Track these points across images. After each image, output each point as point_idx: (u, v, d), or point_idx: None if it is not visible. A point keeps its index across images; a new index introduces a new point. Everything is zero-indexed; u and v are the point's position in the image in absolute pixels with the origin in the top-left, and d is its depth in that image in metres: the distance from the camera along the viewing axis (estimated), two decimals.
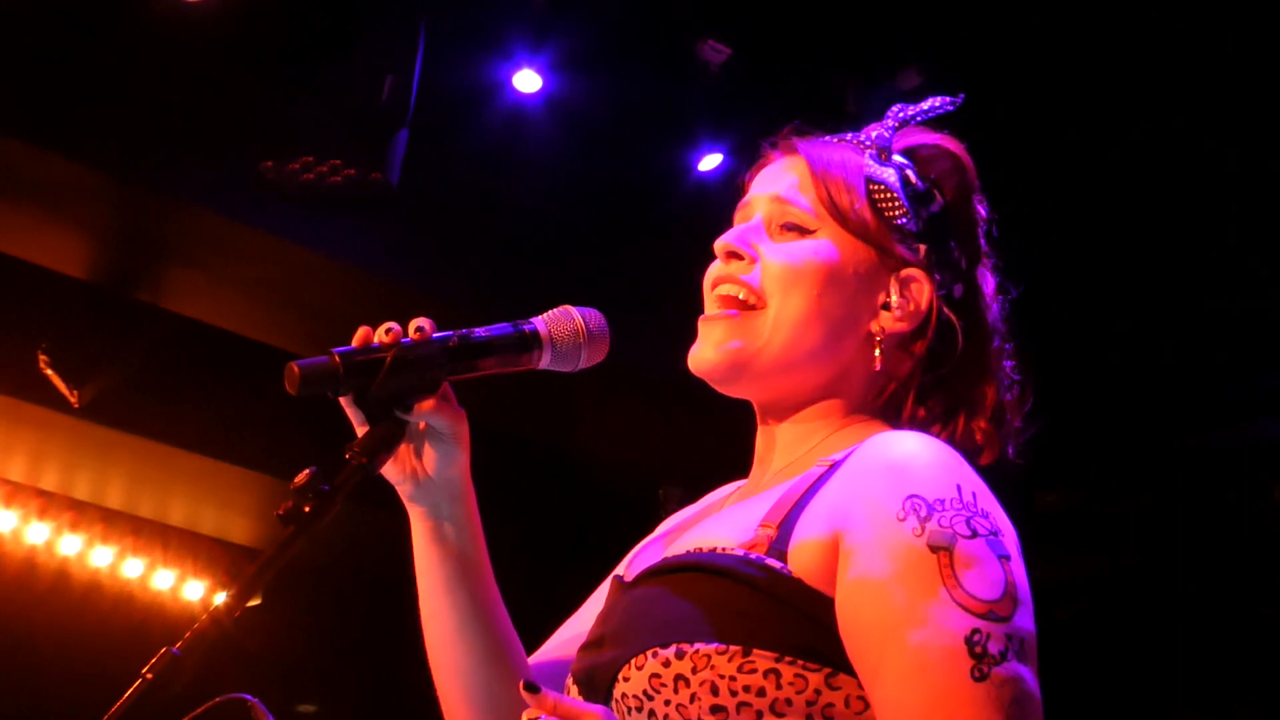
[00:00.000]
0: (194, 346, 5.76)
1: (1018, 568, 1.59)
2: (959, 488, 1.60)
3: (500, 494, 2.14)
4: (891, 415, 1.85)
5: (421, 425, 1.84)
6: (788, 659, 1.58)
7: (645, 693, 1.61)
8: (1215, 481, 5.88)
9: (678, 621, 1.62)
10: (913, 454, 1.64)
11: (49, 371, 5.40)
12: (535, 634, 2.00)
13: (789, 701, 1.57)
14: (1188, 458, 5.92)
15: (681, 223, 4.88)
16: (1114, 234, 5.40)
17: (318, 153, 4.52)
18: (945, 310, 1.85)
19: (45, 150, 4.68)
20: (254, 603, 6.74)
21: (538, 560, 6.10)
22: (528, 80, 5.04)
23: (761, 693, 1.57)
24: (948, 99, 1.94)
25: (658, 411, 5.72)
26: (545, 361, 1.83)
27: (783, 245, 1.85)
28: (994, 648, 1.51)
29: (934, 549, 1.55)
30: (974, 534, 1.57)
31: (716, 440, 1.83)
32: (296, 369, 1.67)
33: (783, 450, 1.84)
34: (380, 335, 1.75)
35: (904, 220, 1.85)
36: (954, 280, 1.87)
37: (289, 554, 1.60)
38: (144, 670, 1.47)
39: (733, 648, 1.58)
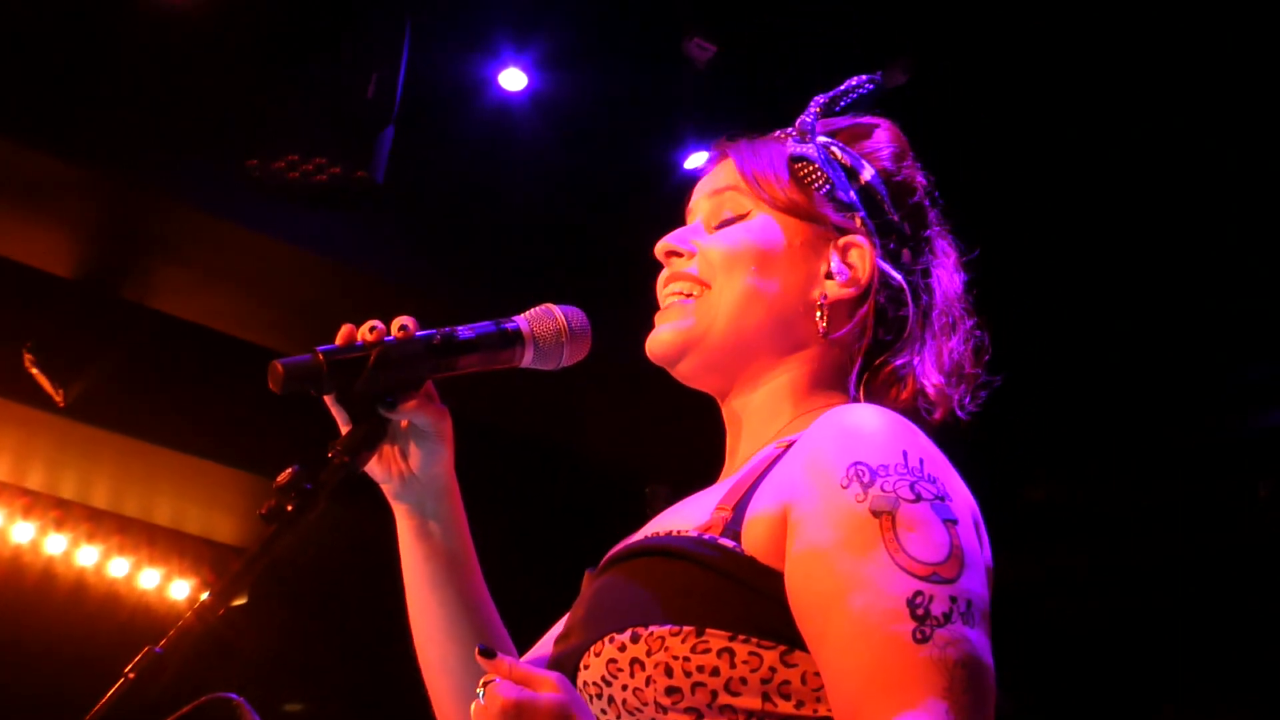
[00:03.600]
0: (180, 345, 5.75)
1: (966, 532, 1.56)
2: (905, 453, 1.58)
3: (491, 491, 2.14)
4: (853, 386, 1.86)
5: (404, 423, 1.85)
6: (741, 637, 1.56)
7: (603, 678, 1.60)
8: (1201, 477, 5.89)
9: (634, 606, 1.61)
10: (859, 423, 1.63)
11: (34, 370, 5.39)
12: (524, 632, 2.00)
13: (744, 680, 1.55)
14: (1174, 452, 5.93)
15: (667, 220, 4.88)
16: (1097, 229, 5.41)
17: (303, 150, 4.52)
18: (892, 274, 1.86)
19: (30, 148, 4.67)
20: (240, 601, 6.75)
21: (529, 558, 6.10)
22: (513, 78, 5.04)
23: (715, 672, 1.55)
24: (865, 78, 1.97)
25: (647, 408, 5.72)
26: (528, 359, 1.84)
27: (719, 233, 1.90)
28: (937, 609, 1.49)
29: (876, 514, 1.53)
30: (918, 498, 1.55)
31: (708, 437, 1.83)
32: (280, 367, 1.67)
33: (749, 439, 1.85)
34: (364, 333, 1.75)
35: (830, 190, 1.87)
36: (900, 245, 1.89)
37: (272, 553, 1.60)
38: (126, 669, 1.47)
39: (686, 628, 1.57)
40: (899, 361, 1.84)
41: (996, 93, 4.94)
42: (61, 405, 5.50)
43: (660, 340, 1.88)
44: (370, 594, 6.86)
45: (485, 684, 1.54)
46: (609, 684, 1.59)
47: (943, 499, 1.56)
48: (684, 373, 1.89)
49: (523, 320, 1.84)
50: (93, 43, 4.66)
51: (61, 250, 5.27)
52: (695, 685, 1.55)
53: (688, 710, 1.56)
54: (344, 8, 4.61)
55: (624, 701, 1.58)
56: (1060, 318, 5.61)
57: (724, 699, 1.55)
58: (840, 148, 1.91)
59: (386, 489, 1.92)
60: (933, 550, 1.52)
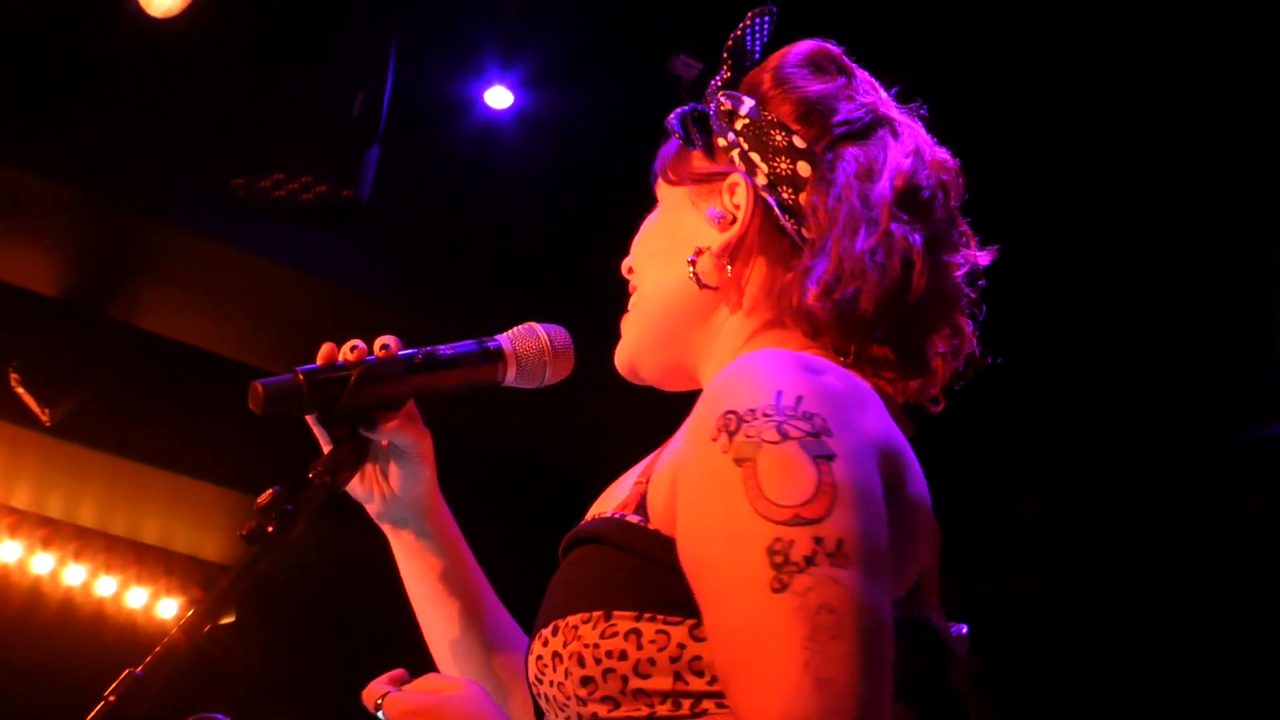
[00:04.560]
0: (166, 363, 5.75)
1: (848, 467, 1.42)
2: (779, 394, 1.45)
3: (484, 506, 2.14)
4: (788, 324, 1.70)
5: (385, 443, 1.85)
6: (647, 616, 1.48)
7: (535, 677, 1.55)
8: (1192, 488, 5.90)
9: (560, 598, 1.56)
10: (739, 370, 1.51)
11: (20, 389, 5.37)
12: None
13: (652, 661, 1.47)
14: (1165, 463, 5.93)
15: None
16: (1089, 241, 5.42)
17: (289, 169, 4.51)
18: (767, 197, 1.70)
19: (15, 166, 4.66)
20: (227, 620, 6.74)
21: (530, 573, 6.09)
22: (499, 96, 5.04)
23: (624, 656, 1.48)
24: (759, 10, 1.83)
25: (635, 422, 5.71)
26: (510, 378, 1.84)
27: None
28: (797, 554, 1.36)
29: (739, 462, 1.41)
30: (783, 438, 1.41)
31: None
32: (260, 388, 1.68)
33: None
34: (345, 353, 1.75)
35: (703, 143, 1.78)
36: (794, 160, 1.70)
37: (253, 574, 1.60)
38: (106, 693, 1.47)
39: (595, 614, 1.50)
40: (800, 271, 1.67)
41: (985, 108, 4.94)
42: (48, 424, 5.48)
43: (617, 364, 1.84)
44: (360, 612, 6.85)
45: (384, 696, 1.55)
46: (540, 682, 1.55)
47: (817, 435, 1.42)
48: (651, 385, 1.84)
49: (505, 339, 1.84)
50: (77, 61, 4.65)
51: (47, 269, 5.26)
52: (606, 672, 1.48)
53: (604, 700, 1.49)
54: (329, 26, 4.61)
55: (553, 698, 1.53)
56: (1050, 327, 5.60)
57: (635, 683, 1.47)
58: (726, 95, 1.79)
59: (370, 510, 1.92)
60: (795, 491, 1.39)
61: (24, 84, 4.60)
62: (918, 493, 1.56)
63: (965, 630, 1.65)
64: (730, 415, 1.45)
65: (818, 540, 1.37)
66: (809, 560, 1.36)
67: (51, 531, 6.78)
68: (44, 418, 5.44)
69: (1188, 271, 5.40)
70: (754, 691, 1.34)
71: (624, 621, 1.49)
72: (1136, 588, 6.30)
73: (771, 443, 1.42)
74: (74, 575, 6.89)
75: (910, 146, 1.73)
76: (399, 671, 1.61)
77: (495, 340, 1.83)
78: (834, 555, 1.37)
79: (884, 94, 1.80)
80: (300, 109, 4.59)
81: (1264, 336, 5.42)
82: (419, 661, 2.01)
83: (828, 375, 1.51)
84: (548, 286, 5.34)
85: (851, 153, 1.70)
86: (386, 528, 1.93)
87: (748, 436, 1.43)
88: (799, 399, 1.45)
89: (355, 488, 1.88)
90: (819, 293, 1.63)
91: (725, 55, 1.82)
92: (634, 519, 1.55)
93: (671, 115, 1.82)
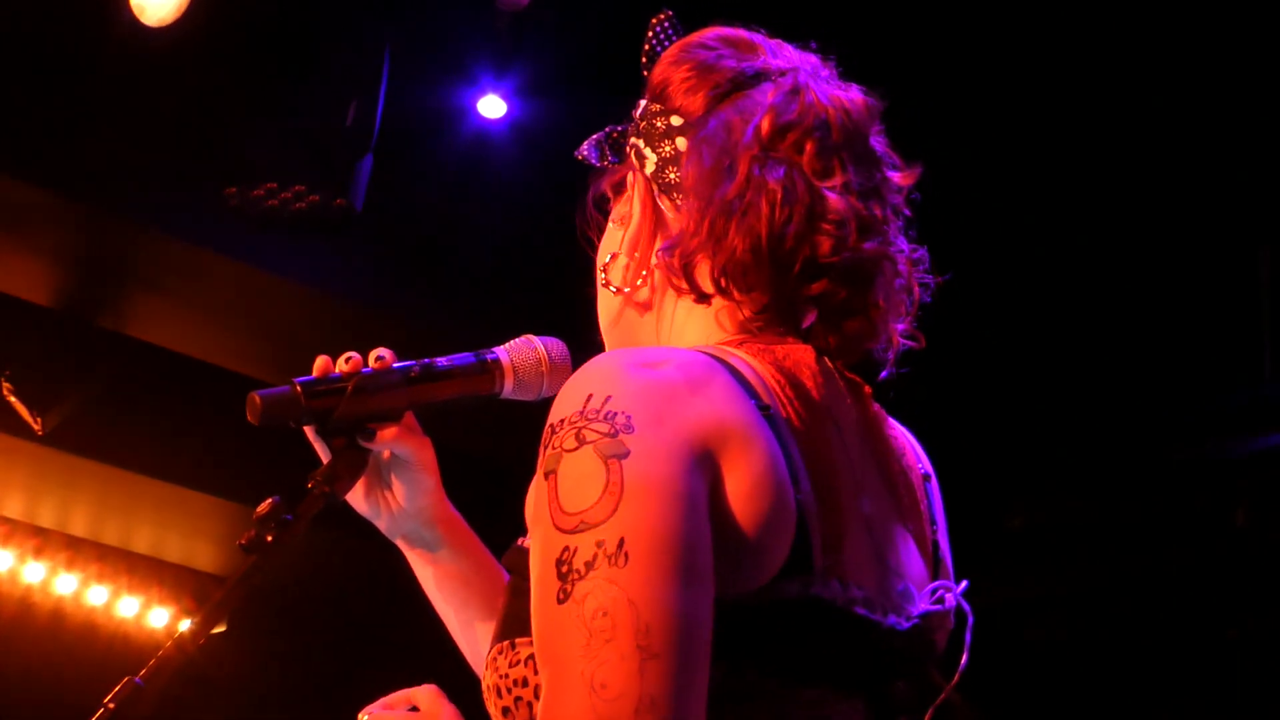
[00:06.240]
0: (159, 373, 5.74)
1: (640, 462, 1.36)
2: (589, 397, 1.40)
3: (490, 519, 2.14)
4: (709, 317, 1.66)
5: (386, 455, 1.85)
6: None
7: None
8: (1180, 502, 5.91)
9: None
10: (570, 378, 1.46)
11: (12, 398, 5.37)
12: None
13: None
14: (1153, 476, 5.94)
15: None
16: (1072, 257, 5.43)
17: (281, 178, 4.51)
18: (661, 180, 1.69)
19: (6, 176, 4.66)
20: (219, 629, 6.71)
21: None
22: (492, 106, 5.05)
23: (524, 683, 1.45)
24: (655, 19, 1.81)
25: None
26: (507, 390, 1.85)
27: None
28: (579, 560, 1.32)
29: (546, 475, 1.39)
30: (580, 444, 1.37)
31: None
32: (258, 399, 1.69)
33: None
34: (340, 364, 1.76)
35: (615, 157, 1.79)
36: (673, 140, 1.69)
37: (251, 583, 1.61)
38: (106, 700, 1.47)
39: (504, 643, 1.48)
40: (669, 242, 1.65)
41: (966, 125, 4.95)
42: (40, 433, 5.48)
43: None
44: (356, 622, 6.85)
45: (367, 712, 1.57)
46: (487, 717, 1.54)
47: (615, 434, 1.37)
48: None
49: (502, 351, 1.85)
50: (70, 70, 4.65)
51: (39, 278, 5.26)
52: (516, 700, 1.45)
53: None
54: (322, 36, 4.61)
55: None
56: (1039, 340, 5.62)
57: (538, 708, 1.40)
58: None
59: (380, 526, 1.92)
60: (582, 496, 1.35)
61: (15, 92, 4.60)
62: (769, 471, 1.44)
63: (957, 591, 1.58)
64: (548, 429, 1.42)
65: (599, 544, 1.33)
66: (589, 566, 1.32)
67: (43, 541, 6.77)
68: (36, 426, 5.44)
69: (1176, 284, 5.42)
70: (544, 709, 1.32)
71: (525, 648, 1.46)
72: (1125, 600, 6.31)
73: (569, 451, 1.38)
74: (65, 585, 6.88)
75: (786, 87, 1.65)
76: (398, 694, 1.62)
77: (493, 352, 1.85)
78: (614, 556, 1.32)
79: (795, 56, 1.73)
80: (293, 118, 4.59)
81: (1252, 349, 5.44)
82: (410, 671, 2.02)
83: (665, 367, 1.44)
84: (542, 297, 5.34)
85: (722, 114, 1.65)
86: (400, 542, 1.94)
87: (553, 448, 1.40)
88: (608, 399, 1.40)
89: (361, 505, 1.89)
90: (682, 253, 1.62)
91: (643, 69, 1.80)
92: (525, 543, 1.52)
93: (585, 143, 1.83)
